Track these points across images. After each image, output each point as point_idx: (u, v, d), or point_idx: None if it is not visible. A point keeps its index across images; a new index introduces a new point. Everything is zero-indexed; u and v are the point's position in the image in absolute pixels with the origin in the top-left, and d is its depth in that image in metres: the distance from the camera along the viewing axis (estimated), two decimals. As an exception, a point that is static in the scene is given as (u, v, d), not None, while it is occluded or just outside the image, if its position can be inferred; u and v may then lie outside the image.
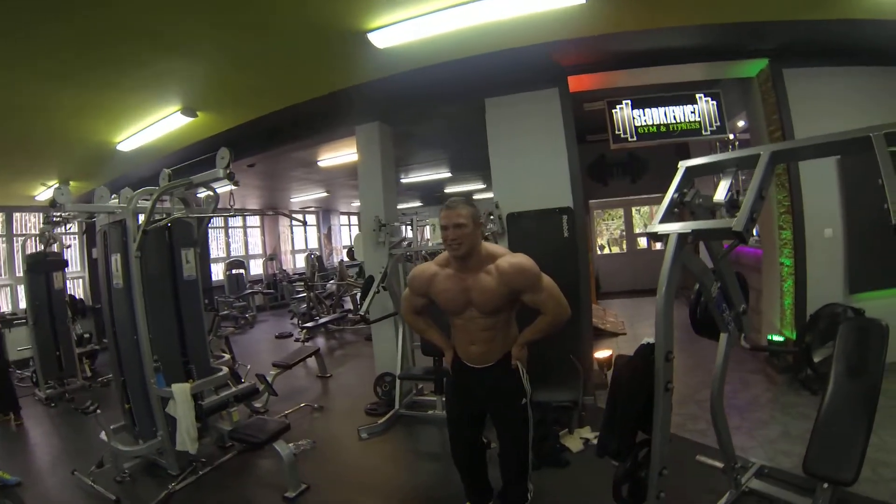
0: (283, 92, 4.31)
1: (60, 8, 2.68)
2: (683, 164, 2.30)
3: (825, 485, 2.27)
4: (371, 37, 3.28)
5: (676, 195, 2.21)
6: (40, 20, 2.78)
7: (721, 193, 2.13)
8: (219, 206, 3.96)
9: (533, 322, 2.30)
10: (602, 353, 4.55)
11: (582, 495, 2.88)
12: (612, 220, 11.54)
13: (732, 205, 2.04)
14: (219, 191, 3.82)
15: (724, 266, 2.37)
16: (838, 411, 2.32)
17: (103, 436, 3.46)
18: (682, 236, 2.03)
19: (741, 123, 5.59)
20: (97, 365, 6.38)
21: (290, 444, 3.27)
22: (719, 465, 2.67)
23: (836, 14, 3.49)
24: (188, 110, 4.40)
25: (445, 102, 4.95)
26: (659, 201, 8.13)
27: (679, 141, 5.09)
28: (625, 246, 10.93)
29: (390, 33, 3.27)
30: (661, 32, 3.77)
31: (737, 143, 5.59)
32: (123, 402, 3.68)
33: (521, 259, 2.21)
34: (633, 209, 10.91)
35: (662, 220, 2.15)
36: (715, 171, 2.32)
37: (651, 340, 2.05)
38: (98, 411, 3.48)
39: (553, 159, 4.46)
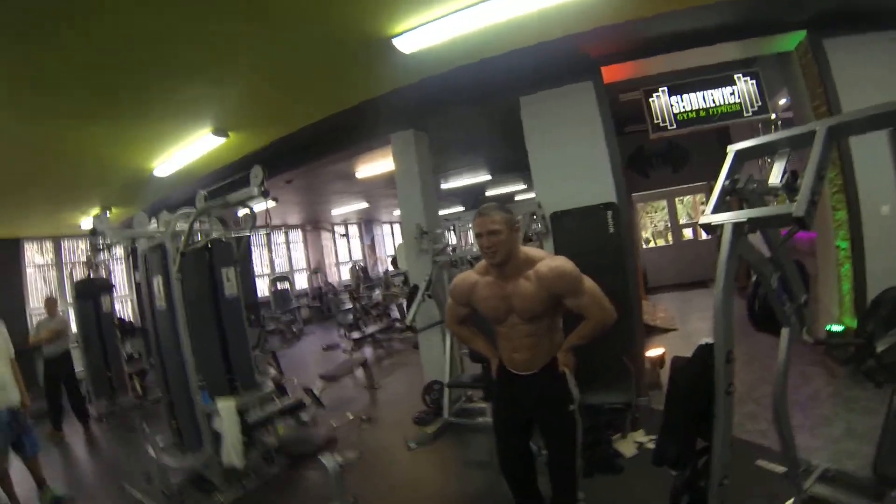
0: (313, 106, 4.35)
1: (88, 54, 2.82)
2: (732, 148, 2.15)
3: (896, 491, 2.08)
4: (396, 42, 3.25)
5: (728, 182, 2.06)
6: (74, 67, 2.93)
7: (776, 177, 1.98)
8: (257, 224, 4.02)
9: (577, 327, 2.20)
10: (654, 352, 4.38)
11: (635, 501, 2.76)
12: (656, 212, 11.21)
13: (790, 188, 1.89)
14: (256, 208, 3.88)
15: (783, 255, 2.21)
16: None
17: (152, 451, 3.54)
18: (737, 226, 1.89)
19: (783, 101, 5.31)
20: (147, 382, 6.55)
21: (338, 456, 3.25)
22: (781, 469, 2.49)
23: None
24: (220, 131, 4.49)
25: (478, 104, 4.91)
26: (702, 190, 8.02)
27: (720, 125, 4.87)
28: (670, 238, 10.57)
29: (415, 37, 3.24)
30: (692, 12, 3.61)
31: (779, 122, 5.34)
32: (170, 420, 3.76)
33: (561, 262, 2.13)
34: (677, 200, 10.56)
35: (715, 210, 2.01)
36: (766, 153, 2.15)
37: (709, 340, 1.92)
38: (146, 429, 3.55)
39: (593, 154, 4.35)
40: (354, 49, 3.38)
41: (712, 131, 7.51)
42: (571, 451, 2.25)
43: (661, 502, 2.57)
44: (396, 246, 7.73)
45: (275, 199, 4.07)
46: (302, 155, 5.59)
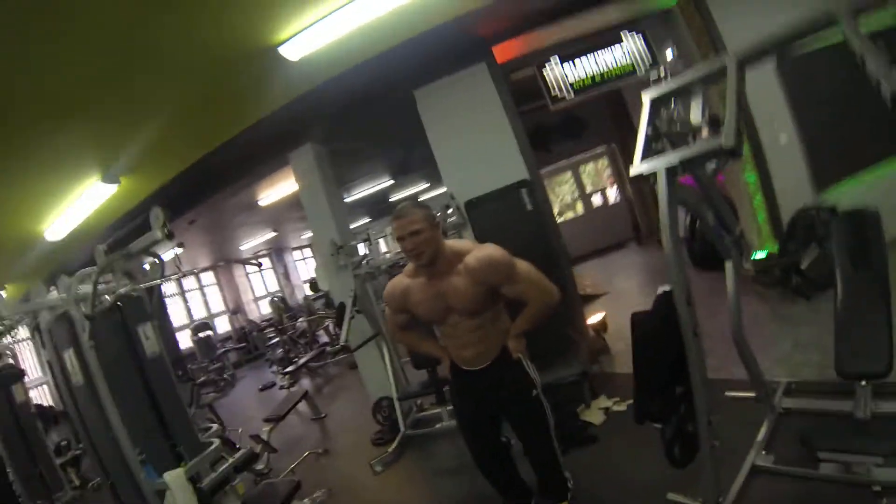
0: (206, 134, 4.03)
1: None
2: (646, 95, 2.15)
3: (863, 382, 2.20)
4: (282, 50, 3.05)
5: (650, 129, 2.07)
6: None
7: (696, 114, 2.01)
8: (166, 272, 3.64)
9: (521, 312, 2.12)
10: (595, 318, 4.45)
11: (620, 467, 2.74)
12: (561, 185, 11.53)
13: (714, 122, 1.92)
14: (164, 255, 3.51)
15: (714, 191, 2.26)
16: (854, 306, 2.27)
17: None
18: (670, 170, 1.89)
19: (669, 56, 5.59)
20: (84, 470, 5.83)
21: (307, 500, 3.01)
22: (751, 394, 2.58)
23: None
24: (109, 178, 4.04)
25: (372, 106, 4.74)
26: (604, 154, 8.24)
27: (616, 86, 5.02)
28: (580, 208, 10.95)
29: (300, 42, 3.04)
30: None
31: (668, 76, 5.59)
32: None
33: (489, 251, 2.01)
34: (581, 169, 10.95)
35: (643, 158, 2.01)
36: (680, 94, 2.18)
37: (666, 288, 1.92)
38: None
39: (498, 135, 4.32)
40: (241, 65, 3.14)
41: (603, 96, 7.84)
42: (546, 435, 2.19)
43: (643, 461, 2.60)
44: (314, 268, 7.45)
45: (181, 245, 3.72)
46: (201, 190, 5.21)
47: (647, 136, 2.06)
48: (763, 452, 2.23)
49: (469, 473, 3.29)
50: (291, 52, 3.10)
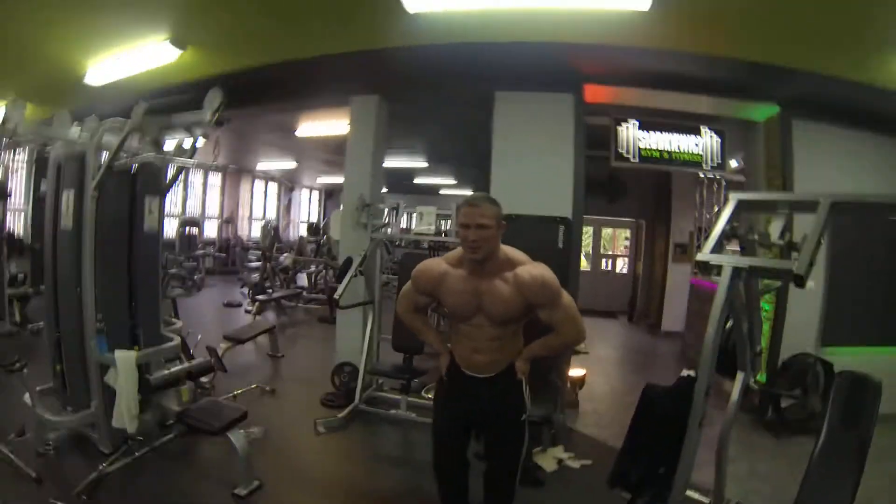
0: (291, 41, 3.88)
1: None
2: (735, 197, 2.19)
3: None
4: (404, -2, 2.98)
5: (727, 226, 2.10)
6: None
7: (776, 232, 2.06)
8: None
9: (543, 337, 2.10)
10: (576, 372, 4.47)
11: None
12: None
13: (791, 247, 1.96)
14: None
15: (756, 305, 2.30)
16: (830, 459, 2.31)
17: (27, 398, 3.00)
18: (737, 270, 1.92)
19: (733, 164, 5.68)
20: (29, 310, 5.70)
21: (242, 431, 2.95)
22: (704, 500, 2.61)
23: (861, 76, 3.54)
24: (178, 41, 3.87)
25: (454, 86, 4.71)
26: (630, 226, 8.39)
27: (676, 170, 5.09)
28: (587, 265, 11.03)
29: (423, -3, 2.98)
30: (684, 57, 3.68)
31: (724, 182, 5.69)
32: (55, 363, 3.18)
33: (544, 271, 2.01)
34: (603, 230, 11.04)
35: (713, 251, 2.04)
36: (766, 208, 2.24)
37: (691, 373, 1.94)
38: (25, 370, 3.01)
39: (559, 165, 4.34)
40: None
41: (652, 173, 7.95)
42: (517, 463, 2.18)
43: None
44: (332, 213, 7.36)
45: (206, 136, 3.60)
46: (256, 95, 5.07)
47: (723, 230, 2.08)
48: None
49: (410, 468, 3.32)
50: (412, 2, 3.04)
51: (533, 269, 1.99)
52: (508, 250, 2.06)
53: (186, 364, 3.40)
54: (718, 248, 2.06)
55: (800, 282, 1.80)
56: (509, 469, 2.18)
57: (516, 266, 2.00)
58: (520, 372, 2.10)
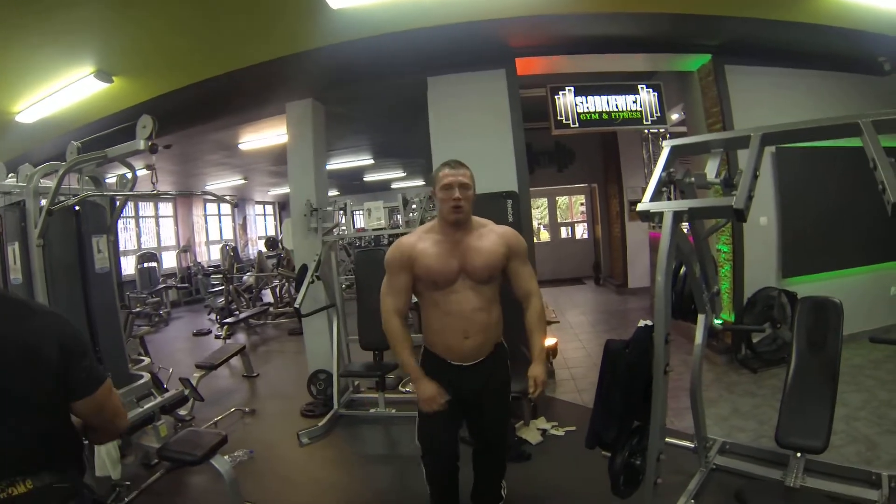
0: (215, 57, 3.82)
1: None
2: (668, 143, 2.23)
3: (798, 454, 2.38)
4: (326, -8, 2.93)
5: (664, 173, 2.14)
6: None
7: (712, 172, 2.11)
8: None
9: (527, 325, 2.10)
10: (547, 342, 4.51)
11: (551, 488, 2.80)
12: (535, 209, 11.73)
13: (728, 184, 2.01)
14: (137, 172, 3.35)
15: (706, 246, 2.36)
16: (803, 384, 2.43)
17: None
18: (677, 214, 1.96)
19: (675, 116, 5.81)
20: None
21: (227, 457, 2.91)
22: (689, 445, 2.69)
23: (783, 15, 3.64)
24: (103, 74, 3.78)
25: (386, 79, 4.69)
26: (583, 192, 8.54)
27: (619, 129, 5.19)
28: (547, 235, 11.17)
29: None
30: (614, 18, 3.77)
31: (667, 135, 5.81)
32: None
33: (512, 229, 2.15)
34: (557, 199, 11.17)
35: (652, 199, 2.08)
36: (700, 150, 2.29)
37: (648, 322, 1.98)
38: None
39: (498, 142, 4.37)
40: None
41: (598, 136, 8.07)
42: (506, 438, 2.24)
43: (575, 486, 2.71)
44: (283, 222, 7.25)
45: (149, 167, 3.51)
46: (191, 116, 4.98)
47: (660, 178, 2.12)
48: (692, 501, 2.32)
49: (395, 465, 3.34)
50: (336, -2, 3.00)
51: (503, 227, 2.13)
52: (474, 217, 2.11)
53: (159, 399, 3.32)
54: (658, 195, 2.10)
55: (741, 216, 1.85)
56: (501, 447, 2.23)
57: (486, 225, 2.10)
58: (540, 383, 2.02)
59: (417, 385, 2.00)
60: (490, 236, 2.05)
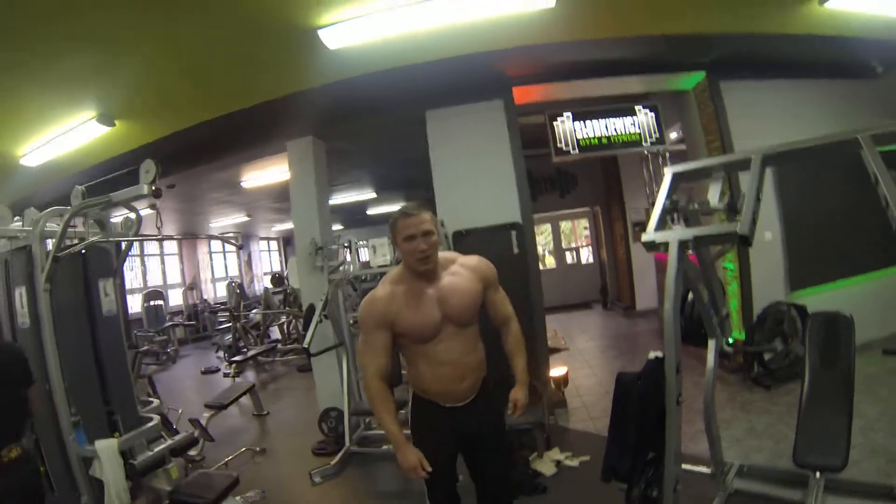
0: (216, 99, 3.90)
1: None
2: (670, 170, 2.24)
3: (817, 474, 2.31)
4: (322, 34, 3.00)
5: (667, 201, 2.14)
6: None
7: (714, 197, 2.11)
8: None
9: (508, 351, 2.10)
10: (557, 371, 4.47)
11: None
12: (539, 234, 11.73)
13: (732, 209, 2.01)
14: (141, 212, 3.38)
15: (713, 271, 2.35)
16: (818, 401, 2.39)
17: None
18: (683, 243, 1.96)
19: (673, 135, 5.84)
20: None
21: (239, 498, 2.87)
22: (705, 470, 2.64)
23: (774, 28, 3.70)
24: (105, 118, 3.84)
25: (385, 114, 4.75)
26: (586, 216, 8.54)
27: (619, 153, 5.22)
28: (552, 261, 11.13)
29: (343, 31, 3.02)
30: (608, 43, 3.84)
31: (667, 154, 5.84)
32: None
33: (481, 257, 2.10)
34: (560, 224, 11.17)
35: (657, 228, 2.08)
36: (701, 176, 2.30)
37: (658, 354, 1.96)
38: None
39: (500, 173, 4.41)
40: (277, 37, 3.09)
41: (598, 159, 8.11)
42: (509, 471, 2.20)
43: None
44: (289, 262, 7.27)
45: (153, 207, 3.55)
46: (194, 156, 5.06)
47: (664, 206, 2.12)
48: (713, 530, 2.27)
49: (409, 501, 3.27)
50: (331, 38, 3.07)
51: (472, 258, 2.07)
52: (440, 253, 2.01)
53: (169, 441, 3.29)
54: (662, 224, 2.10)
55: (746, 241, 1.85)
56: (506, 479, 2.18)
57: (454, 261, 2.02)
58: (520, 407, 2.02)
59: (400, 452, 1.89)
60: (463, 273, 1.97)
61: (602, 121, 4.93)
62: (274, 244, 17.02)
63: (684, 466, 2.84)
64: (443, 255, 2.01)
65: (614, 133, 4.92)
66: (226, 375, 7.32)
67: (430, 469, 1.86)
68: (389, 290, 1.93)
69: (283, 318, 9.01)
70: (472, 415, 2.01)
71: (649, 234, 2.05)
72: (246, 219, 11.07)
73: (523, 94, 4.56)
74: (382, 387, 1.92)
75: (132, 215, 3.49)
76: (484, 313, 2.06)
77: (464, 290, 1.93)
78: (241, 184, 7.35)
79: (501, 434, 2.14)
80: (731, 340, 4.25)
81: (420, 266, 1.87)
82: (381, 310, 1.89)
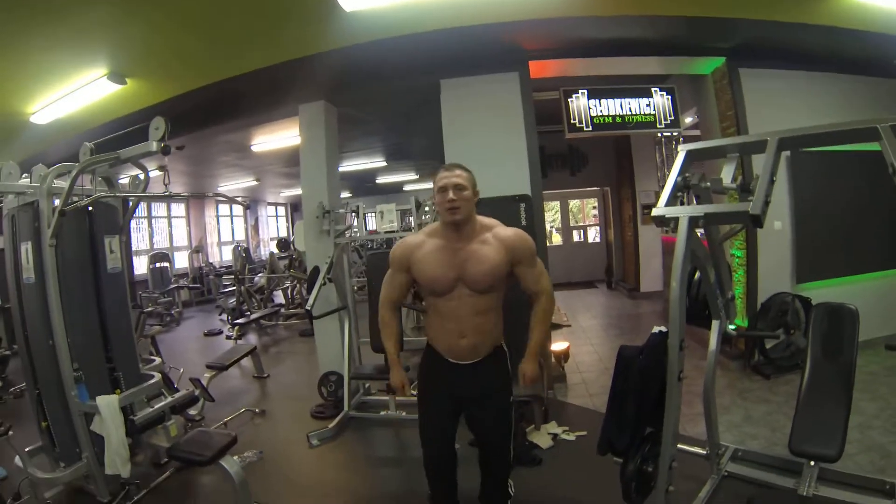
0: (228, 59, 3.84)
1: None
2: (684, 148, 2.21)
3: (811, 462, 2.34)
4: (340, -5, 2.94)
5: (679, 178, 2.11)
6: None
7: (728, 177, 2.08)
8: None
9: (532, 321, 2.12)
10: (559, 346, 4.49)
11: (561, 493, 2.78)
12: (548, 212, 11.66)
13: (745, 189, 1.98)
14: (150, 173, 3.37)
15: (721, 251, 2.33)
16: (818, 391, 2.38)
17: (18, 461, 2.91)
18: (693, 219, 1.94)
19: (688, 120, 5.76)
20: (8, 372, 5.48)
21: (236, 458, 2.91)
22: (700, 451, 2.66)
23: (797, 17, 3.61)
24: (116, 76, 3.81)
25: (399, 81, 4.70)
26: (595, 195, 8.53)
27: (633, 133, 5.15)
28: (559, 238, 11.11)
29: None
30: (628, 21, 3.75)
31: (681, 139, 5.77)
32: (40, 420, 3.09)
33: (520, 230, 2.10)
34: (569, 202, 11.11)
35: (667, 204, 2.06)
36: (716, 155, 2.26)
37: (662, 329, 1.95)
38: (10, 433, 2.94)
39: (511, 145, 4.37)
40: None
41: (611, 140, 8.03)
42: (509, 441, 2.21)
43: (585, 491, 2.68)
44: (295, 225, 7.29)
45: (162, 168, 3.54)
46: (204, 117, 5.03)
47: (675, 183, 2.09)
48: (704, 509, 2.30)
49: (405, 467, 3.31)
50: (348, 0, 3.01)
51: (511, 228, 2.09)
52: (481, 218, 2.10)
53: (169, 399, 3.33)
54: (673, 200, 2.08)
55: (757, 222, 1.83)
56: (503, 447, 2.20)
57: (493, 228, 2.06)
58: (528, 379, 2.10)
59: (392, 371, 2.21)
60: (492, 243, 2.01)
61: (617, 100, 4.88)
62: (281, 210, 17.03)
63: (680, 446, 2.86)
64: (483, 220, 2.09)
65: (629, 113, 4.87)
66: (228, 338, 7.37)
67: (413, 393, 2.17)
68: (421, 239, 2.09)
69: (287, 283, 9.07)
70: (475, 377, 2.08)
71: (660, 209, 2.04)
72: (254, 183, 11.07)
73: (539, 69, 4.49)
74: (391, 314, 2.21)
75: (140, 174, 3.52)
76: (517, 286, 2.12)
77: (485, 259, 1.98)
78: (251, 147, 7.31)
79: (503, 403, 2.15)
80: (735, 325, 4.30)
81: (448, 216, 1.97)
82: (405, 254, 2.08)
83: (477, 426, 2.21)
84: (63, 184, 2.96)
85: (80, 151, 3.06)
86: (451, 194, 1.94)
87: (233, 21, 3.32)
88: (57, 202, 2.89)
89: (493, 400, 2.13)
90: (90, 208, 3.12)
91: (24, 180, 3.24)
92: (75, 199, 2.98)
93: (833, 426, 2.21)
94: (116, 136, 3.25)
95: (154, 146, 2.86)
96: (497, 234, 2.03)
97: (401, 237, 4.87)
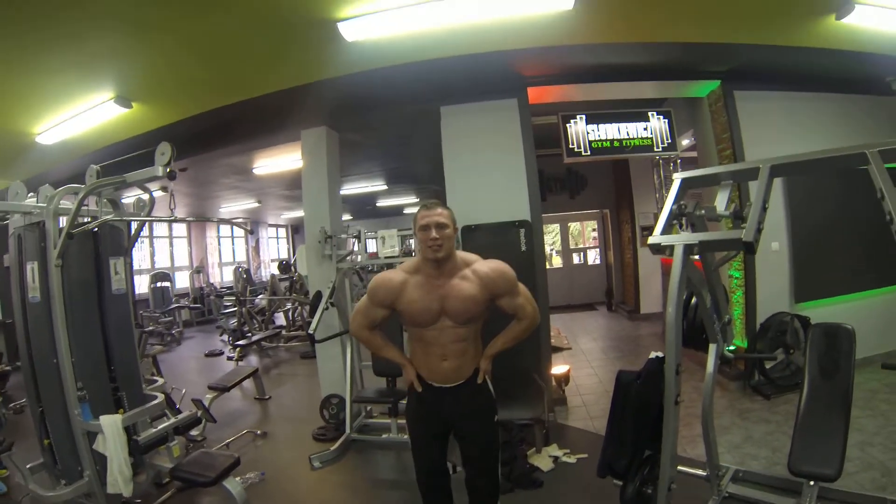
0: (232, 85, 3.94)
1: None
2: (679, 176, 2.26)
3: (811, 482, 2.32)
4: (341, 27, 3.04)
5: (675, 206, 2.16)
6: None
7: (721, 204, 2.14)
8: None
9: (504, 330, 2.20)
10: (559, 369, 4.51)
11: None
12: (548, 234, 11.75)
13: (738, 216, 2.03)
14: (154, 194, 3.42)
15: (716, 277, 2.37)
16: (816, 411, 2.40)
17: (20, 478, 2.95)
18: (687, 247, 1.98)
19: (685, 142, 5.85)
20: (9, 388, 5.53)
21: (239, 479, 2.92)
22: (700, 473, 2.66)
23: (792, 41, 3.71)
24: (122, 99, 3.90)
25: (399, 108, 4.81)
26: (594, 218, 8.57)
27: (631, 157, 5.23)
28: (559, 261, 11.14)
29: (362, 24, 3.05)
30: (624, 48, 3.84)
31: (679, 161, 5.84)
32: (42, 437, 3.10)
33: (500, 263, 2.16)
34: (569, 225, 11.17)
35: (663, 232, 2.10)
36: (709, 183, 2.31)
37: (659, 354, 1.99)
38: (12, 450, 2.95)
39: (511, 170, 4.42)
40: (297, 28, 3.12)
41: (608, 162, 8.12)
42: (496, 464, 2.24)
43: None
44: (297, 249, 7.34)
45: (164, 189, 3.60)
46: (208, 141, 5.10)
47: (671, 211, 2.14)
48: (705, 531, 2.30)
49: (407, 490, 3.29)
50: (350, 31, 3.11)
51: (490, 263, 2.14)
52: (461, 253, 2.17)
53: (173, 420, 3.35)
54: (668, 228, 2.12)
55: (750, 249, 1.87)
56: (491, 469, 2.23)
57: (472, 264, 2.11)
58: (483, 372, 2.17)
59: (404, 370, 2.22)
60: (471, 279, 2.07)
61: (615, 124, 4.96)
62: (282, 231, 17.13)
63: (680, 468, 2.87)
64: (464, 255, 2.15)
65: (626, 137, 4.94)
66: (229, 359, 7.38)
67: (421, 390, 2.16)
68: (402, 278, 2.11)
69: (289, 305, 9.09)
70: (459, 399, 2.14)
71: (656, 237, 2.08)
72: (256, 205, 11.15)
73: (538, 94, 4.58)
74: (371, 333, 2.22)
75: (145, 196, 3.58)
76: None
77: (465, 295, 2.04)
78: (253, 170, 7.40)
79: (488, 422, 2.20)
80: (732, 347, 4.31)
81: (431, 253, 2.01)
82: (391, 293, 2.11)
83: (463, 445, 2.25)
84: (69, 204, 3.02)
85: (87, 173, 3.10)
86: (433, 233, 1.99)
87: (238, 49, 3.41)
88: (63, 223, 2.94)
89: (478, 419, 2.19)
90: (96, 230, 3.18)
91: (31, 200, 3.30)
92: (81, 220, 3.03)
93: (831, 446, 2.23)
94: (122, 160, 3.31)
95: (160, 171, 2.91)
96: (476, 270, 2.09)
97: (401, 262, 4.97)
